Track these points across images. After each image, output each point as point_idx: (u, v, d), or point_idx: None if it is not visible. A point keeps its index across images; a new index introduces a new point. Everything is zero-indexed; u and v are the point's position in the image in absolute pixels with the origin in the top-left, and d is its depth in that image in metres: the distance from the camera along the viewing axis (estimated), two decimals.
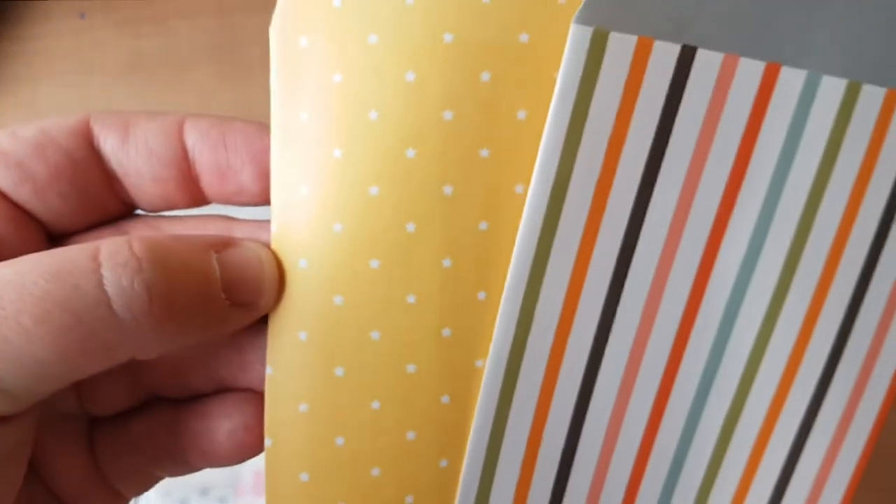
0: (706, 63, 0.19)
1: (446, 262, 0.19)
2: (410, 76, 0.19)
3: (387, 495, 0.21)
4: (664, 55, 0.19)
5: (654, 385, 0.20)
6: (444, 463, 0.20)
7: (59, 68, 0.54)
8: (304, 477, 0.21)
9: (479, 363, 0.20)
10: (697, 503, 0.21)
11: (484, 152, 0.19)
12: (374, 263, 0.19)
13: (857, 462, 0.21)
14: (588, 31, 0.19)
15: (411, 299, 0.19)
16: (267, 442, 0.21)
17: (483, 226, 0.19)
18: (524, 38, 0.19)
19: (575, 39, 0.19)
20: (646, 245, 0.20)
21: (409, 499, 0.20)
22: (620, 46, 0.19)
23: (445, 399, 0.20)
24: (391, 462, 0.20)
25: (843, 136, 0.20)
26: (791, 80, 0.19)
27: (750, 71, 0.19)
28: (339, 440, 0.20)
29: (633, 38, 0.19)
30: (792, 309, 0.20)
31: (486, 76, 0.19)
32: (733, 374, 0.20)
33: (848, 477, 0.21)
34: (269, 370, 0.21)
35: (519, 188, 0.19)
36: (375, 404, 0.20)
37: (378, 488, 0.20)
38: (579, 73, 0.19)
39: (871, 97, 0.19)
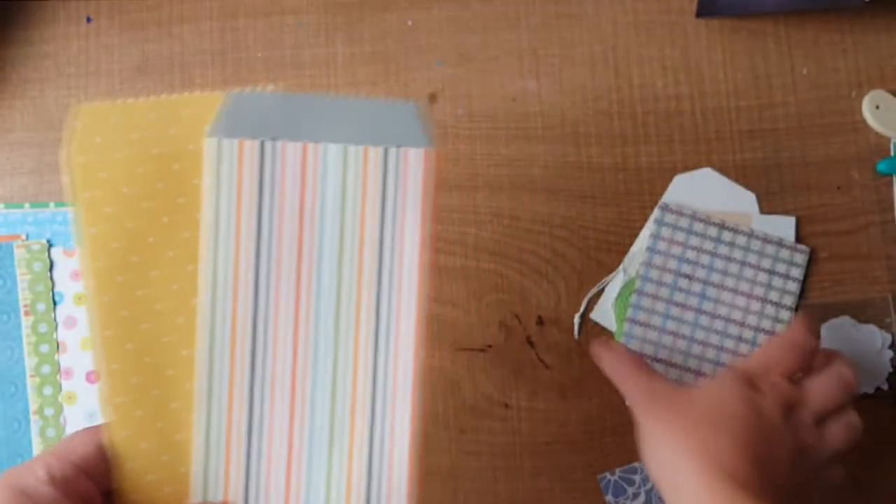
0: (272, 149, 0.34)
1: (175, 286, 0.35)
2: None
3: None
4: (252, 149, 0.34)
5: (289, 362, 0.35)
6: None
7: (66, 71, 0.56)
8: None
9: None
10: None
11: (165, 219, 0.34)
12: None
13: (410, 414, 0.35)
14: (213, 142, 0.34)
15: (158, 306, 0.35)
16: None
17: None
18: (191, 146, 0.34)
19: (207, 150, 0.34)
20: (265, 291, 0.35)
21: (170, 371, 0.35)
22: (230, 150, 0.34)
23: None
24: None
25: (346, 184, 0.35)
26: (314, 151, 0.34)
27: (295, 150, 0.34)
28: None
29: (235, 142, 0.34)
30: (346, 309, 0.35)
31: (175, 166, 0.34)
32: (326, 370, 0.35)
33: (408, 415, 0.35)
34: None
35: (186, 234, 0.35)
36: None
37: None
38: (213, 172, 0.34)
39: (356, 152, 0.34)
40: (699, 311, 0.52)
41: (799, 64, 0.56)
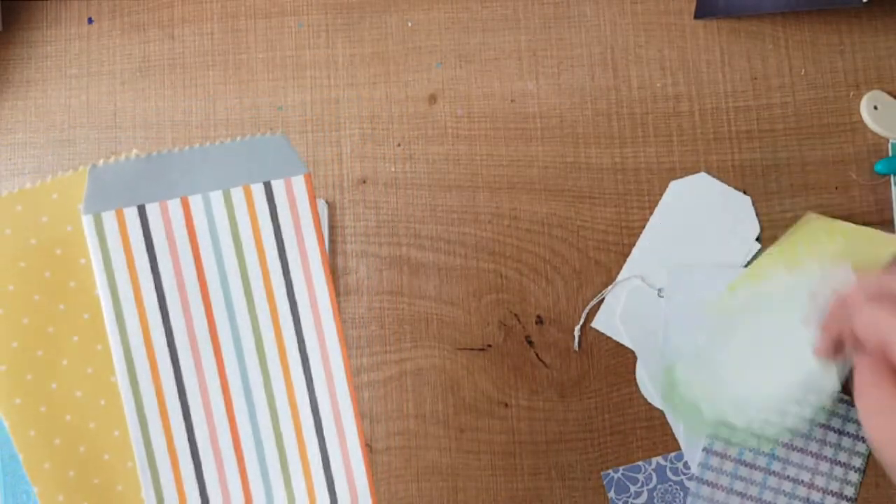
0: (153, 211, 0.34)
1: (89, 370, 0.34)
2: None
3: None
4: (132, 215, 0.34)
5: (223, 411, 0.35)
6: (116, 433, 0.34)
7: (68, 72, 0.56)
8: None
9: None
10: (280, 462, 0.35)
11: (61, 306, 0.34)
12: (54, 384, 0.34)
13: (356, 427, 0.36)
14: (91, 218, 0.33)
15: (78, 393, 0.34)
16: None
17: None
18: (70, 227, 0.33)
19: (87, 227, 0.33)
20: (182, 353, 0.34)
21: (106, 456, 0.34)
22: (110, 221, 0.33)
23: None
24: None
25: (237, 225, 0.35)
26: (196, 201, 0.34)
27: (175, 205, 0.34)
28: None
29: (113, 212, 0.33)
30: (269, 349, 0.35)
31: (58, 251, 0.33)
32: (262, 401, 0.35)
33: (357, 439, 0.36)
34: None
35: (86, 315, 0.34)
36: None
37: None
38: (98, 247, 0.33)
39: (238, 193, 0.35)
40: (768, 471, 0.51)
41: (797, 65, 0.56)
